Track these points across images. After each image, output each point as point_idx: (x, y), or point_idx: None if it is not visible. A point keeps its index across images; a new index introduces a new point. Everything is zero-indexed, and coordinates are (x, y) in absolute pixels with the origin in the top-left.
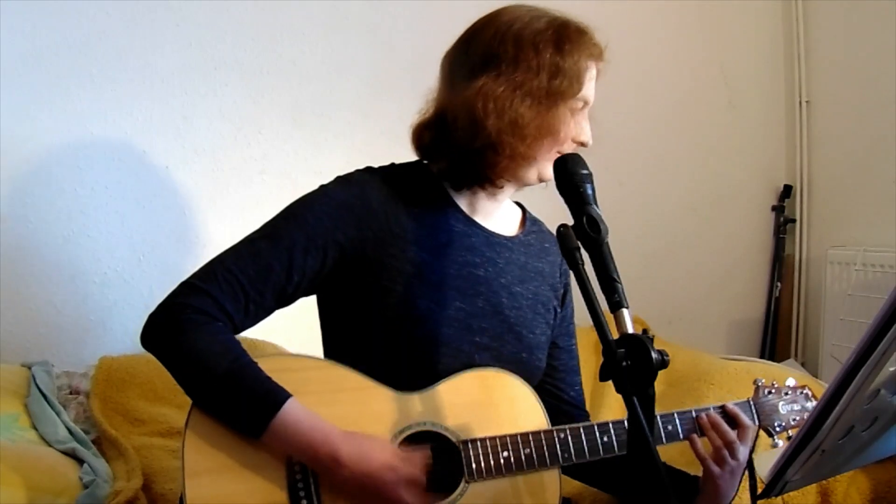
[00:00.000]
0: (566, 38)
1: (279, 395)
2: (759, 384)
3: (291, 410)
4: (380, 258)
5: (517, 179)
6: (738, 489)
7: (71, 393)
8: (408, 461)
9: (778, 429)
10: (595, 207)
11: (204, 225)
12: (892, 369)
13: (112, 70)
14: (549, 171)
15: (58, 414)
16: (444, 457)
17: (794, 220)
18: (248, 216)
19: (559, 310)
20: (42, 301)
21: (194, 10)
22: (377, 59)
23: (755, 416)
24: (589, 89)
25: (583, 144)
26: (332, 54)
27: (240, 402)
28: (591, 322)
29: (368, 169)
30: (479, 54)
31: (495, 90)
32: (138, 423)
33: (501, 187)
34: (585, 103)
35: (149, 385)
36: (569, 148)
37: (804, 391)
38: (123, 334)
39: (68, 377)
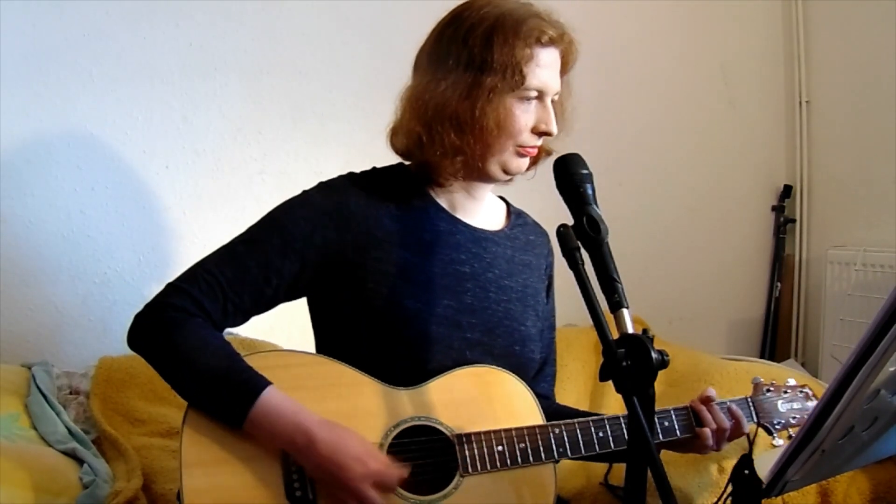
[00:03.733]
0: (499, 29)
1: (258, 384)
2: (758, 382)
3: (270, 398)
4: (363, 262)
5: (479, 175)
6: None
7: (71, 393)
8: (382, 461)
9: (777, 426)
10: (595, 207)
11: (204, 225)
12: (892, 369)
13: (112, 70)
14: (513, 165)
15: (58, 414)
16: (439, 451)
17: (794, 220)
18: (248, 216)
19: (545, 302)
20: (42, 301)
21: (194, 10)
22: (377, 59)
23: (753, 413)
24: (538, 78)
25: (546, 134)
26: (332, 54)
27: (220, 392)
28: (591, 322)
29: (350, 174)
30: (424, 54)
31: (422, 87)
32: (138, 423)
33: (447, 185)
34: (541, 92)
35: (149, 385)
36: (530, 140)
37: (804, 390)
38: (123, 334)
39: (68, 377)
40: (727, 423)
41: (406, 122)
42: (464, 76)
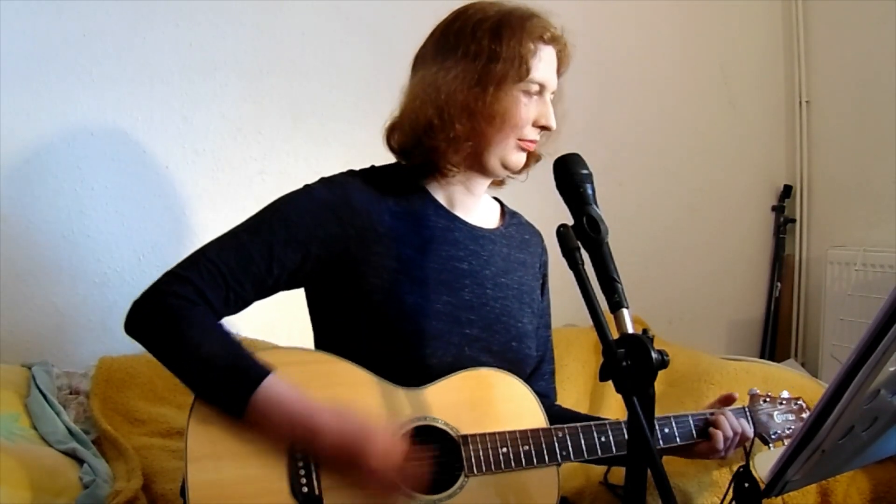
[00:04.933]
0: (507, 23)
1: (259, 372)
2: (754, 393)
3: (272, 385)
4: (364, 256)
5: (479, 167)
6: None
7: (71, 393)
8: (389, 435)
9: (773, 437)
10: (595, 207)
11: (204, 225)
12: (892, 369)
13: (112, 70)
14: (513, 159)
15: (58, 414)
16: (444, 452)
17: (794, 220)
18: (247, 216)
19: (540, 300)
20: (42, 301)
21: (194, 10)
22: (377, 59)
23: (750, 423)
24: (540, 72)
25: (546, 128)
26: (332, 54)
27: (221, 380)
28: (591, 322)
29: (350, 171)
30: (429, 50)
31: (432, 77)
32: (138, 423)
33: (451, 176)
34: (542, 86)
35: (149, 385)
36: (531, 133)
37: (798, 402)
38: (123, 334)
39: (68, 377)
40: (740, 429)
41: (417, 108)
42: (473, 65)
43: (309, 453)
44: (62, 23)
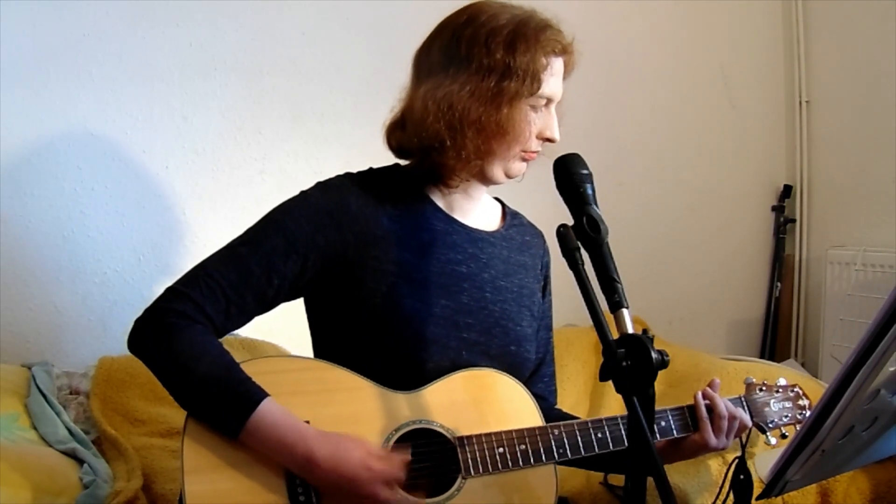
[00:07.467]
0: (521, 36)
1: (255, 396)
2: (750, 382)
3: (267, 411)
4: (363, 261)
5: (482, 177)
6: None
7: (71, 393)
8: (384, 459)
9: (770, 425)
10: (595, 207)
11: (204, 225)
12: (892, 369)
13: (112, 70)
14: (515, 169)
15: (58, 414)
16: (441, 454)
17: (794, 220)
18: (248, 216)
19: (541, 302)
20: (42, 301)
21: (194, 10)
22: (377, 59)
23: (747, 412)
24: (550, 86)
25: (550, 140)
26: (332, 54)
27: (216, 402)
28: (591, 322)
29: (347, 174)
30: (437, 53)
31: (444, 90)
32: (138, 423)
33: (455, 186)
34: (549, 100)
35: (149, 385)
36: (535, 145)
37: (795, 389)
38: (123, 334)
39: (68, 377)
40: (736, 413)
41: (429, 124)
42: (487, 80)
43: (306, 479)
44: (62, 23)
